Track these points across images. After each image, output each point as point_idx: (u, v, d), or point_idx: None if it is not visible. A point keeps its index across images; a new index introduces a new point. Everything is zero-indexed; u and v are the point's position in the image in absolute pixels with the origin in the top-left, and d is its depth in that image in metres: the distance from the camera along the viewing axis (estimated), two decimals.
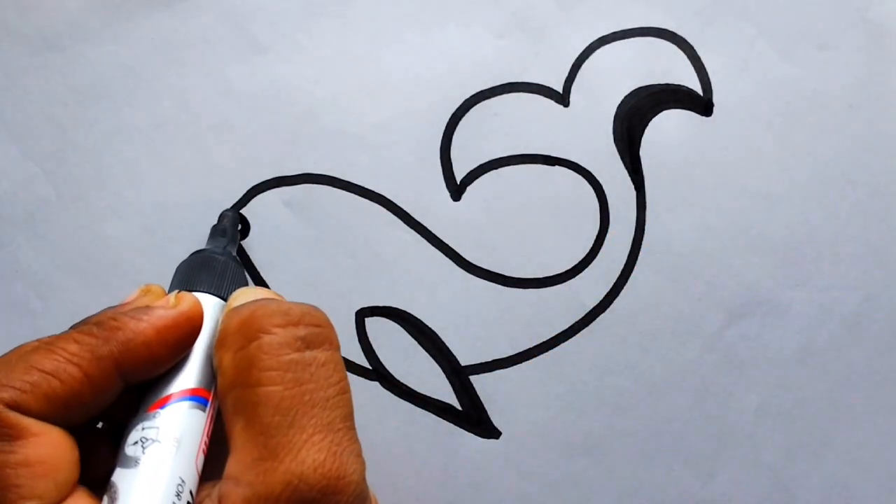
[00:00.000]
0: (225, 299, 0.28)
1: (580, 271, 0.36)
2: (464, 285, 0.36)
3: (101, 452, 0.25)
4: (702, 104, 0.36)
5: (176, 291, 0.27)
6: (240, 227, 0.36)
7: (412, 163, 0.36)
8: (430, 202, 0.36)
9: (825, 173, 0.36)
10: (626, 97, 0.36)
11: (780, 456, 0.36)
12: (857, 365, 0.36)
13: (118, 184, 0.37)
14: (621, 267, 0.36)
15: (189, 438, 0.24)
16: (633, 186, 0.36)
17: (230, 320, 0.25)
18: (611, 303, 0.36)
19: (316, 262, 0.36)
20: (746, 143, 0.36)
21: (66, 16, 0.37)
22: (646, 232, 0.36)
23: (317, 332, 0.25)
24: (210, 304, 0.28)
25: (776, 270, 0.36)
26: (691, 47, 0.36)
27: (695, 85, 0.36)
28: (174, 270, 0.31)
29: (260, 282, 0.37)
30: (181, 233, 0.37)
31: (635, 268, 0.36)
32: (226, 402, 0.24)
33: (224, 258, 0.31)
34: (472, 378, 0.36)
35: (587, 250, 0.36)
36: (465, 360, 0.36)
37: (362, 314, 0.37)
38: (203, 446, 0.25)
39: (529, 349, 0.36)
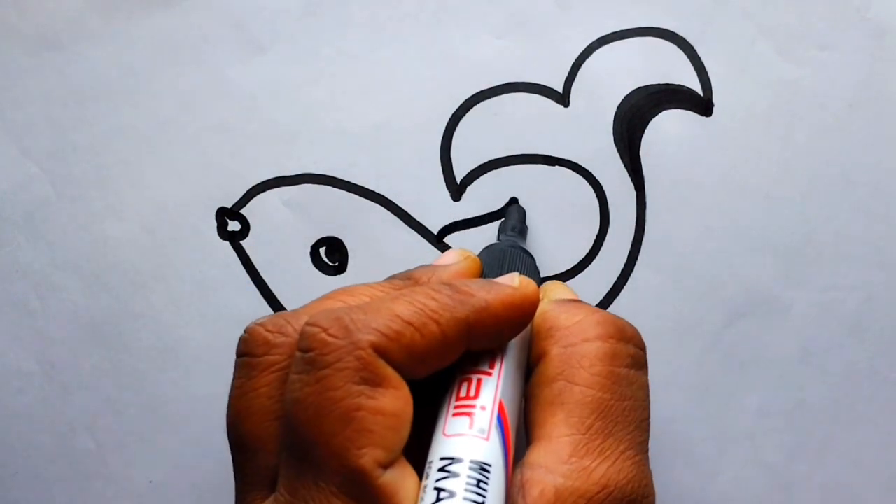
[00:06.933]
0: None
1: (580, 271, 0.36)
2: None
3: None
4: (702, 104, 0.36)
5: (517, 273, 0.27)
6: (243, 228, 0.36)
7: (412, 163, 0.36)
8: (430, 202, 0.36)
9: (825, 173, 0.36)
10: (626, 97, 0.36)
11: (780, 456, 0.36)
12: (857, 365, 0.36)
13: (118, 184, 0.37)
14: (621, 267, 0.36)
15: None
16: (633, 186, 0.36)
17: (559, 314, 0.26)
18: (611, 303, 0.36)
19: (316, 262, 0.36)
20: (746, 143, 0.36)
21: (66, 16, 0.37)
22: (646, 232, 0.36)
23: (641, 354, 0.26)
24: None
25: (776, 270, 0.36)
26: (691, 47, 0.36)
27: (695, 85, 0.36)
28: (479, 254, 0.31)
29: (260, 282, 0.37)
30: (181, 233, 0.37)
31: (635, 268, 0.36)
32: (542, 390, 0.25)
33: (522, 252, 0.32)
34: None
35: (587, 250, 0.36)
36: None
37: None
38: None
39: None
